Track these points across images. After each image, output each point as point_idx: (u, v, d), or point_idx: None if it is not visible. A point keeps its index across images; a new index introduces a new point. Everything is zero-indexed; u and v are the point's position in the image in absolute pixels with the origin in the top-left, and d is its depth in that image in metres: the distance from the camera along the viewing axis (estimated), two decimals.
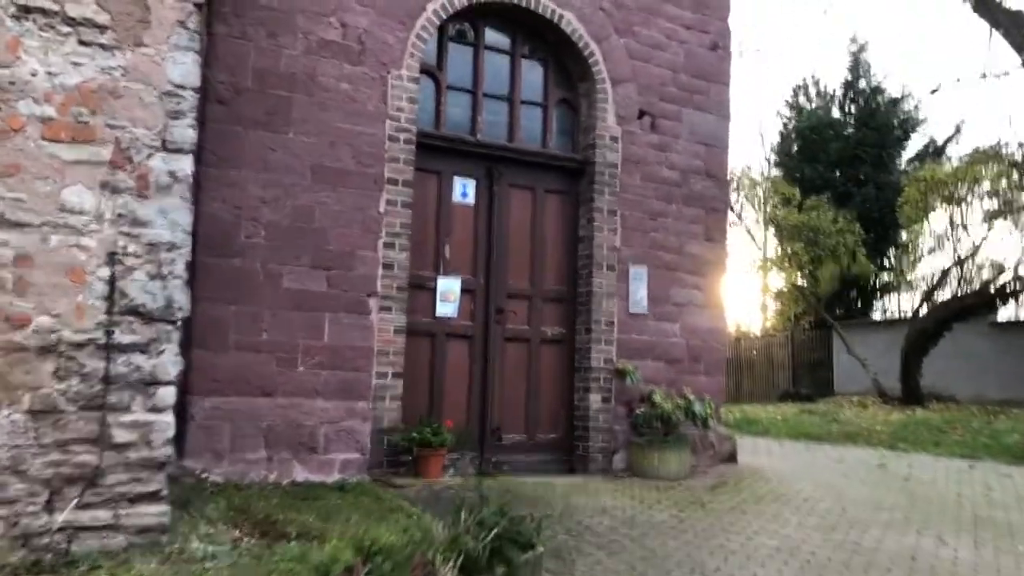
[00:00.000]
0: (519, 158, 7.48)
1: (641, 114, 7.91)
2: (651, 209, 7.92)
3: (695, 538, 5.25)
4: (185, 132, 4.29)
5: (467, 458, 6.99)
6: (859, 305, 22.90)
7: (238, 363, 5.94)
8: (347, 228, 6.42)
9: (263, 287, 6.08)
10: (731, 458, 8.21)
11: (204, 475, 5.70)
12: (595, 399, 7.41)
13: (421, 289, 6.96)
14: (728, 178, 8.61)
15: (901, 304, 22.92)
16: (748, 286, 25.87)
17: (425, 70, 7.05)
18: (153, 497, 4.08)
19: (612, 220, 7.66)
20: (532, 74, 7.70)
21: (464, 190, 7.25)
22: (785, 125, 25.63)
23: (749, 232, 20.84)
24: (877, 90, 23.66)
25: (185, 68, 4.33)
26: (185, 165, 4.27)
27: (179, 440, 5.73)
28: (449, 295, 7.06)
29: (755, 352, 21.99)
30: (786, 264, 19.34)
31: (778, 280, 22.07)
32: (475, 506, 4.16)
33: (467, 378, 7.13)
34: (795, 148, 24.24)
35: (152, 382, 4.07)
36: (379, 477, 6.30)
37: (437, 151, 7.07)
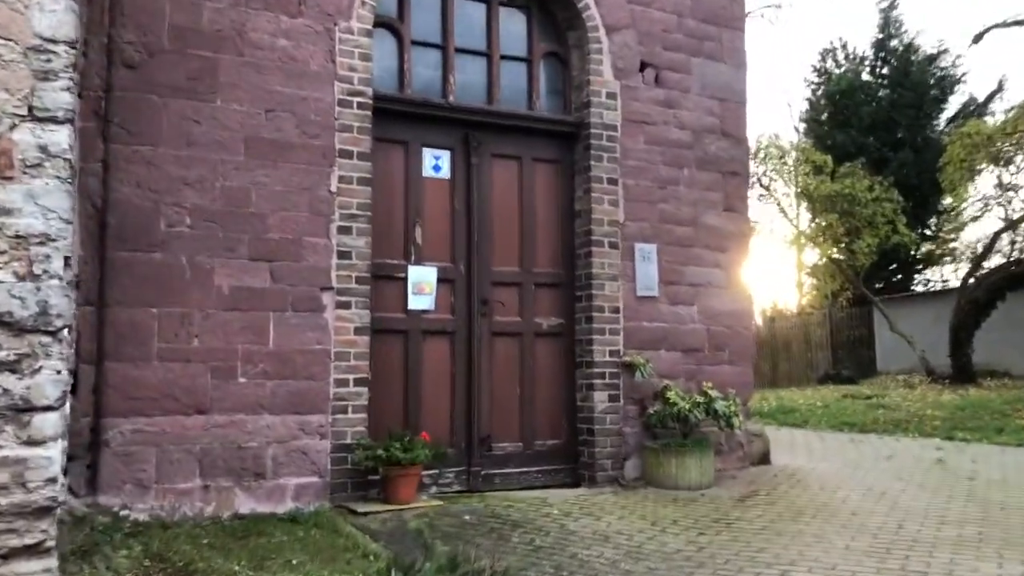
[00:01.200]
0: (501, 123, 6.43)
1: (643, 66, 6.82)
2: (659, 176, 6.83)
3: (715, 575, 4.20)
4: (59, 97, 3.47)
5: (452, 474, 5.99)
6: (900, 278, 21.59)
7: (164, 376, 4.98)
8: (292, 211, 5.43)
9: (191, 285, 5.11)
10: (763, 459, 7.13)
11: (124, 512, 4.75)
12: (600, 398, 6.37)
13: (389, 280, 5.96)
14: (747, 137, 7.50)
15: (945, 275, 21.57)
16: (781, 263, 24.59)
17: (383, 22, 6.03)
18: (33, 551, 3.27)
19: (613, 191, 6.59)
20: (513, 24, 6.63)
21: (436, 163, 6.22)
22: (813, 92, 24.32)
23: (780, 206, 19.56)
24: (910, 48, 22.26)
25: (56, 17, 3.50)
26: (61, 138, 3.43)
27: (92, 472, 4.80)
28: (423, 286, 6.05)
29: (790, 332, 20.74)
30: (820, 238, 18.07)
31: (813, 255, 20.80)
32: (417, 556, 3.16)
33: (449, 381, 6.13)
34: (825, 115, 22.90)
35: (26, 408, 3.24)
36: (342, 503, 5.32)
37: (402, 117, 6.05)
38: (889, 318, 16.51)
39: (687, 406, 6.08)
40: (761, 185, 22.36)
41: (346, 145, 5.63)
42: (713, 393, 6.30)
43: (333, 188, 5.57)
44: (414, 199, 6.10)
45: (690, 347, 6.83)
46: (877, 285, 19.92)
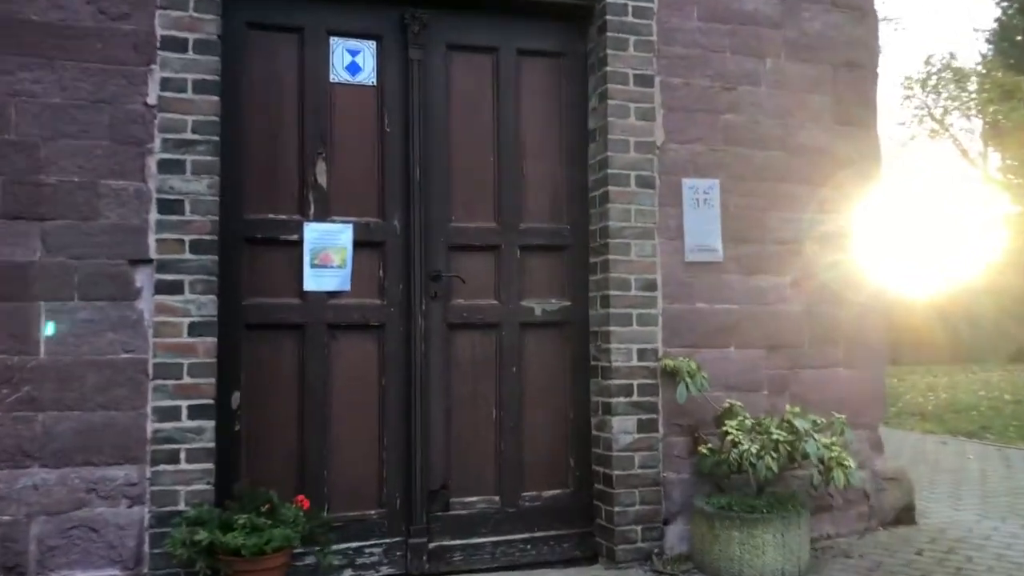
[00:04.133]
0: None
1: None
2: (724, 71, 4.32)
3: None
4: None
5: (379, 549, 3.82)
6: None
7: None
8: (80, 138, 3.37)
9: None
10: (904, 515, 4.53)
11: None
12: (624, 426, 4.00)
13: (271, 246, 3.81)
14: (875, 9, 4.82)
15: None
16: (960, 213, 20.62)
17: None
18: None
19: (645, 96, 4.15)
20: None
21: (353, 60, 3.98)
22: (1005, 11, 20.56)
23: (957, 143, 16.00)
24: None
25: None
26: None
27: None
28: (329, 254, 3.85)
29: (973, 296, 17.15)
30: (1012, 179, 14.49)
31: (1004, 203, 17.08)
32: None
33: (376, 401, 3.93)
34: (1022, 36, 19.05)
35: None
36: None
37: None
38: None
39: (754, 448, 3.61)
40: (933, 118, 18.76)
41: (176, 31, 3.49)
42: (801, 423, 3.77)
43: (151, 100, 3.46)
44: (315, 118, 3.89)
45: (777, 342, 4.31)
46: None
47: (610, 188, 4.06)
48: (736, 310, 4.24)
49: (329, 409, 3.84)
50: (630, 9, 4.15)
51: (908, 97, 21.61)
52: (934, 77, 14.30)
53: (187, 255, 3.45)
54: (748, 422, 3.84)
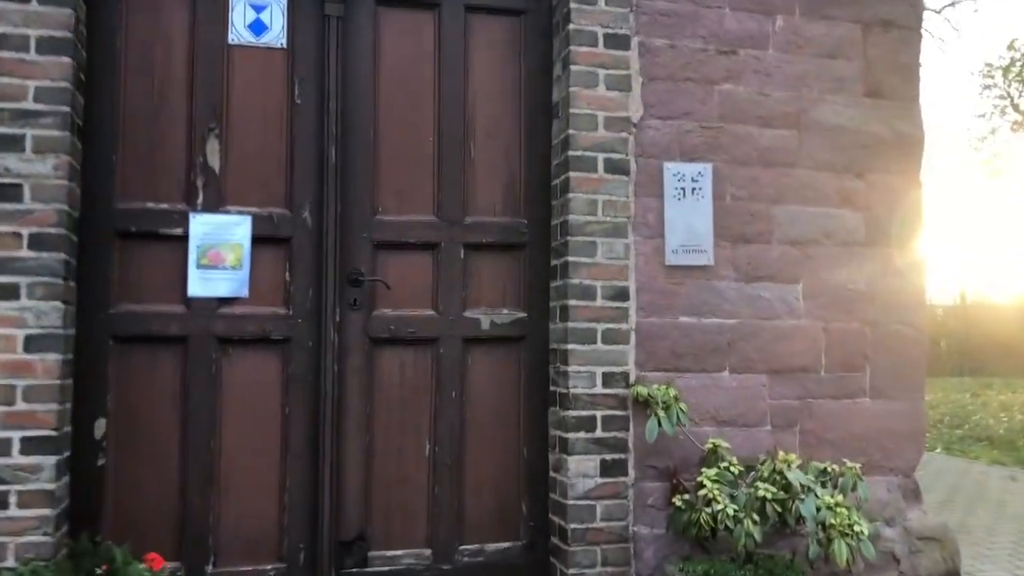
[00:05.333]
0: None
1: None
2: (719, 31, 3.51)
3: None
4: None
5: None
6: None
7: None
8: None
9: None
10: None
11: None
12: (584, 467, 3.22)
13: (145, 242, 3.13)
14: None
15: None
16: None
17: None
18: None
19: (619, 60, 3.36)
20: None
21: (258, 17, 3.28)
22: None
23: None
24: None
25: None
26: None
27: None
28: (221, 252, 3.16)
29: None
30: None
31: None
32: None
33: (277, 432, 3.22)
34: None
35: None
36: None
37: None
38: None
39: (731, 509, 2.78)
40: (1016, 109, 17.36)
41: None
42: (796, 476, 2.92)
43: None
44: (208, 87, 3.20)
45: (784, 365, 3.48)
46: None
47: (571, 174, 3.28)
48: (731, 325, 3.42)
49: (218, 441, 3.15)
50: None
51: (988, 87, 20.08)
52: (1018, 64, 13.04)
53: (24, 252, 2.78)
54: (734, 469, 3.01)
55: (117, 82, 3.11)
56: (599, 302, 3.28)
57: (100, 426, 3.04)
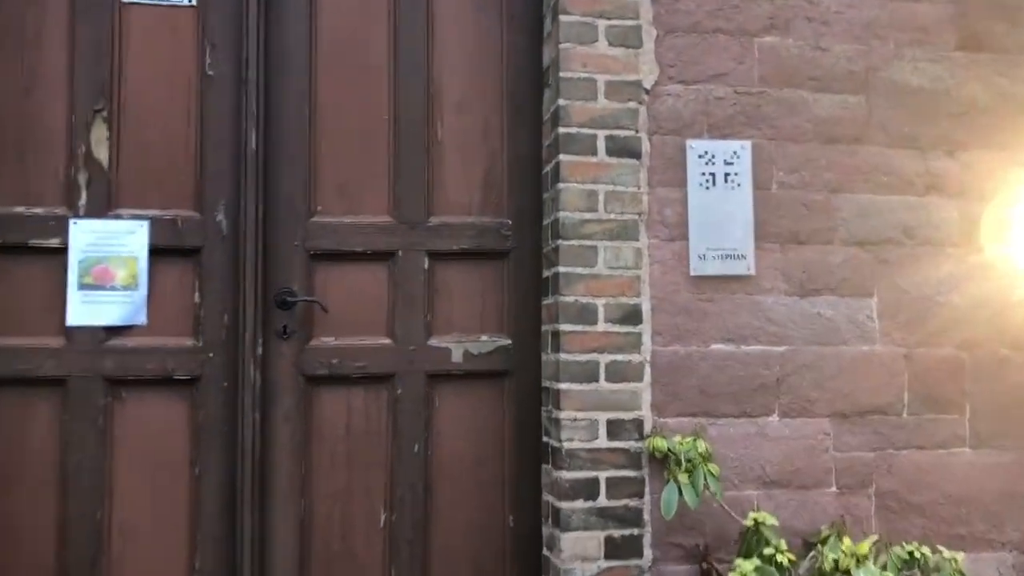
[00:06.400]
0: None
1: None
2: None
3: None
4: None
5: None
6: None
7: None
8: None
9: None
10: None
11: None
12: (583, 547, 2.41)
13: (13, 257, 2.44)
14: None
15: None
16: None
17: None
18: None
19: (625, 7, 2.56)
20: None
21: None
22: None
23: None
24: None
25: None
26: None
27: None
28: (108, 269, 2.45)
29: None
30: None
31: None
32: None
33: (183, 500, 2.49)
34: None
35: None
36: None
37: None
38: None
39: None
40: None
41: None
42: (870, 573, 2.08)
43: None
44: (94, 57, 2.50)
45: (854, 405, 2.61)
46: None
47: (562, 157, 2.49)
48: (780, 355, 2.58)
49: (107, 512, 2.43)
50: None
51: None
52: None
53: None
54: (783, 559, 2.18)
55: None
56: (601, 326, 2.47)
57: None
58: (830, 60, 2.68)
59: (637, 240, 2.51)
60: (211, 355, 2.49)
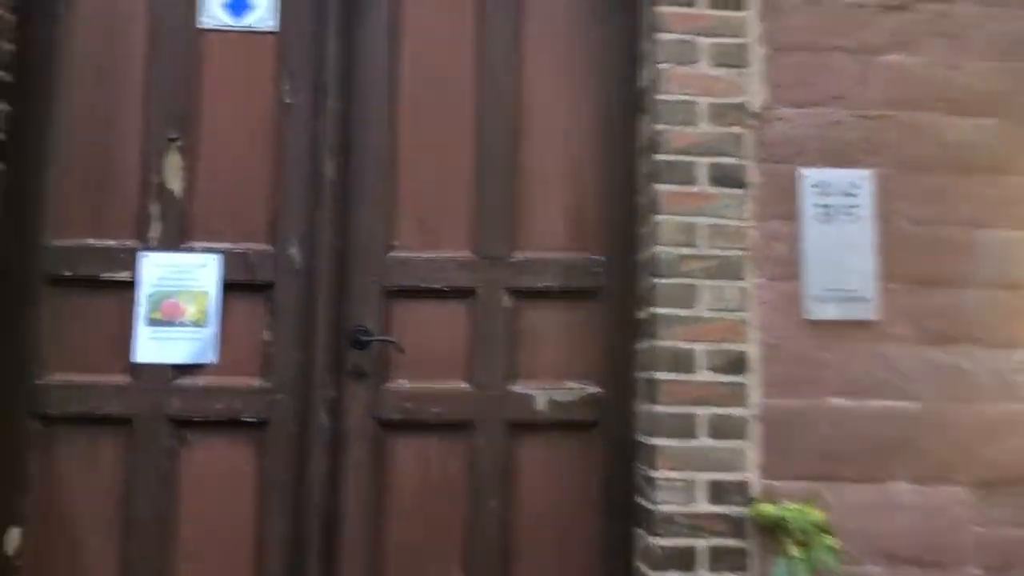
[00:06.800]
0: None
1: None
2: None
3: None
4: None
5: None
6: None
7: None
8: None
9: None
10: None
11: None
12: None
13: (84, 290, 2.36)
14: None
15: None
16: None
17: None
18: None
19: (730, 23, 2.33)
20: None
21: None
22: None
23: None
24: None
25: None
26: None
27: None
28: (177, 304, 2.35)
29: None
30: None
31: None
32: None
33: (249, 552, 2.33)
34: None
35: None
36: None
37: None
38: None
39: None
40: None
41: None
42: None
43: None
44: (170, 85, 2.42)
45: (1000, 472, 2.26)
46: None
47: (659, 188, 2.26)
48: (910, 412, 2.25)
49: (169, 558, 2.30)
50: None
51: None
52: None
53: None
54: None
55: (52, 80, 2.38)
56: (702, 375, 2.21)
57: (13, 537, 2.27)
58: (965, 79, 2.38)
59: (742, 279, 2.25)
60: (280, 396, 2.35)
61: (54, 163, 2.37)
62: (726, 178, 2.27)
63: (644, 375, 2.31)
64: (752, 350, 2.23)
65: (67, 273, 2.34)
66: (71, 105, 2.39)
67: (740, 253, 2.25)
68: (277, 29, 2.47)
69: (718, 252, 2.25)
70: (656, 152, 2.27)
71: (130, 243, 2.37)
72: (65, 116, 2.39)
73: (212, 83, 2.44)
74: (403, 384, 2.39)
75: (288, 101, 2.44)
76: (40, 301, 2.33)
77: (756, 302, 2.25)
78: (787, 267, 2.27)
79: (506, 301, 2.43)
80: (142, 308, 2.34)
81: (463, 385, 2.41)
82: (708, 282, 2.24)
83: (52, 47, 2.39)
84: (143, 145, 2.40)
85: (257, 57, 2.46)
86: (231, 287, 2.37)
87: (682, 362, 2.21)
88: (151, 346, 2.33)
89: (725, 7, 2.33)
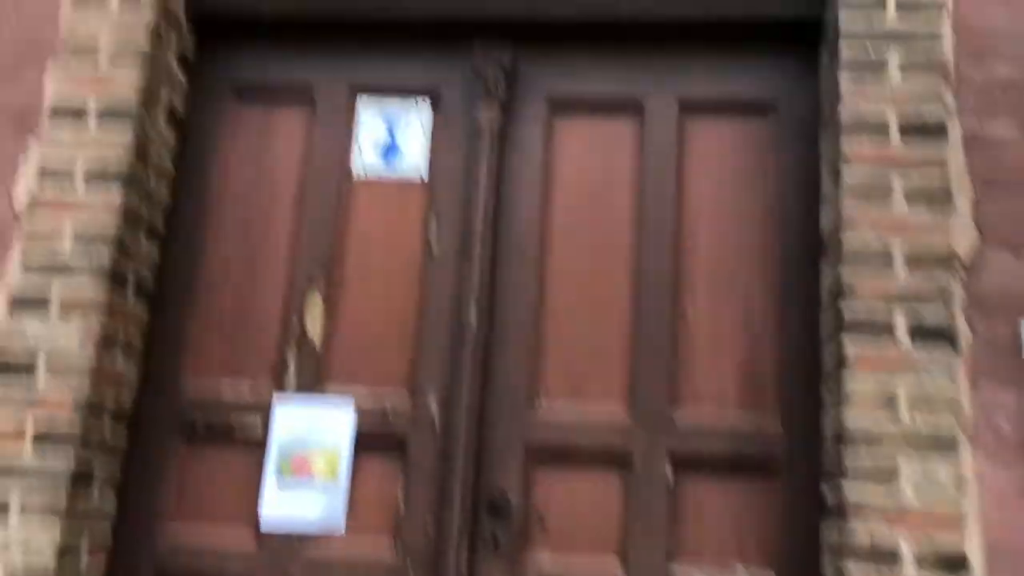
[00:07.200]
0: (599, 20, 2.38)
1: None
2: None
3: None
4: None
5: None
6: None
7: None
8: None
9: None
10: None
11: None
12: None
13: (212, 440, 2.24)
14: None
15: None
16: None
17: None
18: None
19: (929, 158, 2.03)
20: None
21: (391, 140, 2.42)
22: None
23: None
24: None
25: None
26: None
27: None
28: (307, 458, 2.19)
29: None
30: None
31: None
32: None
33: None
34: None
35: None
36: None
37: (287, 33, 2.47)
38: None
39: None
40: None
41: (66, 97, 2.24)
42: None
43: (18, 199, 2.19)
44: (317, 230, 2.35)
45: None
46: None
47: (848, 347, 1.93)
48: None
49: None
50: (892, 3, 2.13)
51: None
52: None
53: (26, 459, 2.01)
54: None
55: (205, 232, 2.37)
56: (908, 575, 1.80)
57: None
58: None
59: (957, 459, 1.85)
60: (409, 568, 2.11)
61: (196, 313, 2.32)
62: (931, 335, 1.92)
63: (833, 568, 1.92)
64: (973, 549, 1.81)
65: (195, 420, 2.24)
66: (212, 248, 2.36)
67: (952, 426, 1.87)
68: (427, 175, 2.37)
69: (923, 426, 1.87)
70: (843, 304, 1.96)
71: (264, 390, 2.26)
72: (211, 263, 2.35)
73: (358, 229, 2.35)
74: (544, 558, 2.11)
75: (434, 247, 2.31)
76: (170, 452, 2.23)
77: (976, 487, 1.84)
78: (1016, 448, 1.86)
79: (666, 470, 2.12)
80: (272, 461, 2.19)
81: (614, 564, 2.09)
82: (912, 462, 1.86)
83: (204, 196, 2.39)
84: (286, 289, 2.32)
85: (405, 204, 2.36)
86: (364, 440, 2.19)
87: (882, 557, 1.81)
88: (280, 503, 2.17)
89: (920, 138, 2.04)
